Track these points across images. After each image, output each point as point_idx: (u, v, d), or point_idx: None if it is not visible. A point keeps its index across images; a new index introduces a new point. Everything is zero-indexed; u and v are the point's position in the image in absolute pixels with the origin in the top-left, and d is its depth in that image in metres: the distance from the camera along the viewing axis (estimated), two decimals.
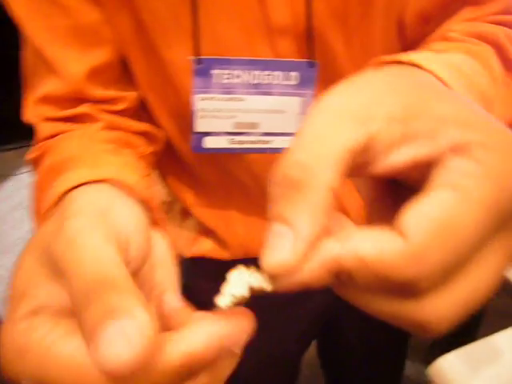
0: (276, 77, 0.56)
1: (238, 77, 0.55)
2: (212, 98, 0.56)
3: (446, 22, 0.54)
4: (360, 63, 0.57)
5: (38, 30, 0.53)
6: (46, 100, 0.55)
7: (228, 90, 0.56)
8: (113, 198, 0.37)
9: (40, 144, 0.53)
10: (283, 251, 0.24)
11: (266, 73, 0.55)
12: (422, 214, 0.24)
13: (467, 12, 0.54)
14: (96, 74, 0.54)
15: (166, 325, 0.31)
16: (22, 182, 2.78)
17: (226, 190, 0.69)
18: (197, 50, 0.53)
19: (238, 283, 0.26)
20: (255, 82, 0.56)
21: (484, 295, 0.26)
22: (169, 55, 0.55)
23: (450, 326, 0.26)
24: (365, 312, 0.27)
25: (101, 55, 0.54)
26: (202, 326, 0.26)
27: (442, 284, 0.24)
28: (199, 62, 0.54)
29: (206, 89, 0.55)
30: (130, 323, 0.24)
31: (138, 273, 0.34)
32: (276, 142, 0.59)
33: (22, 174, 2.82)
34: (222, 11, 0.53)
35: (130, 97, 0.58)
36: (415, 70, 0.33)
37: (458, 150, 0.24)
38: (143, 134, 0.59)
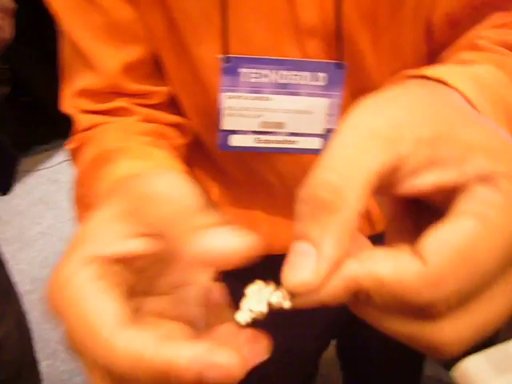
0: (304, 77, 0.56)
1: (265, 76, 0.56)
2: (239, 97, 0.56)
3: (474, 26, 0.54)
4: (388, 65, 0.57)
5: (75, 26, 0.55)
6: (83, 93, 0.57)
7: (255, 89, 0.56)
8: None
9: (79, 135, 0.56)
10: (305, 270, 0.24)
11: (294, 73, 0.56)
12: (443, 240, 0.24)
13: (497, 17, 0.53)
14: (130, 70, 0.56)
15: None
16: (43, 178, 2.81)
17: (251, 188, 0.70)
18: (225, 49, 0.54)
19: (257, 299, 0.26)
20: (283, 81, 0.56)
21: (499, 321, 0.26)
22: (198, 53, 0.56)
23: (463, 348, 0.26)
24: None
25: (135, 51, 0.56)
26: None
27: (457, 308, 0.25)
28: (227, 60, 0.54)
29: (233, 87, 0.56)
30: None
31: None
32: (302, 143, 0.59)
33: (42, 170, 2.85)
34: (251, 10, 0.53)
35: (162, 91, 0.59)
36: (441, 87, 0.33)
37: (484, 179, 0.25)
38: (176, 126, 0.61)
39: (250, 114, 0.57)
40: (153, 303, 0.32)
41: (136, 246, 0.28)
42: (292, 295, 0.25)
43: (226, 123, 0.58)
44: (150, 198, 0.28)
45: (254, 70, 0.55)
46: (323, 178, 0.25)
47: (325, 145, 0.59)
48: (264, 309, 0.26)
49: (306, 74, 0.56)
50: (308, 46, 0.55)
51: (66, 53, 0.58)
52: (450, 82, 0.33)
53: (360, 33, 0.54)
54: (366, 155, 0.25)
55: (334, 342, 1.05)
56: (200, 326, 0.31)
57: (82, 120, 0.57)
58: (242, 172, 0.68)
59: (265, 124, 0.58)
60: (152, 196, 0.28)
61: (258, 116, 0.57)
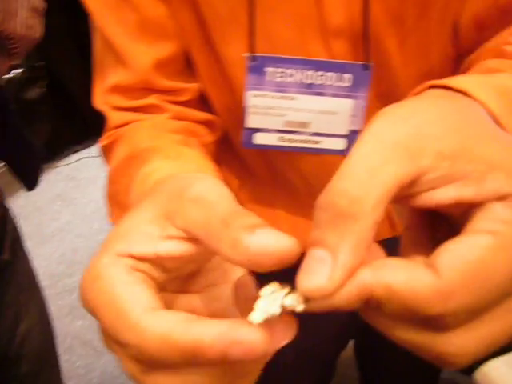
0: (329, 78, 0.56)
1: (291, 76, 0.56)
2: (264, 96, 0.57)
3: (501, 30, 0.54)
4: (414, 67, 0.57)
5: (108, 22, 0.56)
6: (115, 89, 0.58)
7: (280, 88, 0.56)
8: None
9: (111, 132, 0.57)
10: (321, 276, 0.25)
11: (320, 73, 0.56)
12: (458, 255, 0.24)
13: None
14: (162, 66, 0.57)
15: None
16: (61, 175, 2.84)
17: (274, 187, 0.70)
18: (252, 48, 0.54)
19: (271, 301, 0.26)
20: (308, 81, 0.56)
21: (508, 337, 0.26)
22: (225, 51, 0.56)
23: (470, 361, 0.26)
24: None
25: (166, 48, 0.57)
26: None
27: (468, 321, 0.25)
28: (254, 59, 0.55)
29: (258, 86, 0.56)
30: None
31: None
32: (326, 143, 0.60)
33: (60, 167, 2.88)
34: (279, 10, 0.53)
35: (192, 88, 0.60)
36: (464, 99, 0.32)
37: (502, 198, 0.25)
38: (205, 123, 0.61)
39: (275, 112, 0.58)
40: (185, 300, 0.32)
41: (166, 248, 0.29)
42: (306, 299, 0.26)
43: (251, 121, 0.58)
44: (187, 202, 0.28)
45: (280, 70, 0.56)
46: (343, 187, 0.25)
47: (348, 146, 0.59)
48: (277, 310, 0.26)
49: (332, 74, 0.56)
50: (334, 46, 0.55)
51: (98, 49, 0.59)
52: (474, 94, 0.33)
53: (387, 34, 0.54)
54: (386, 166, 0.25)
55: (351, 343, 1.05)
56: None
57: (114, 117, 0.57)
58: (265, 170, 0.68)
59: (289, 123, 0.58)
60: (190, 200, 0.28)
61: (283, 115, 0.58)
